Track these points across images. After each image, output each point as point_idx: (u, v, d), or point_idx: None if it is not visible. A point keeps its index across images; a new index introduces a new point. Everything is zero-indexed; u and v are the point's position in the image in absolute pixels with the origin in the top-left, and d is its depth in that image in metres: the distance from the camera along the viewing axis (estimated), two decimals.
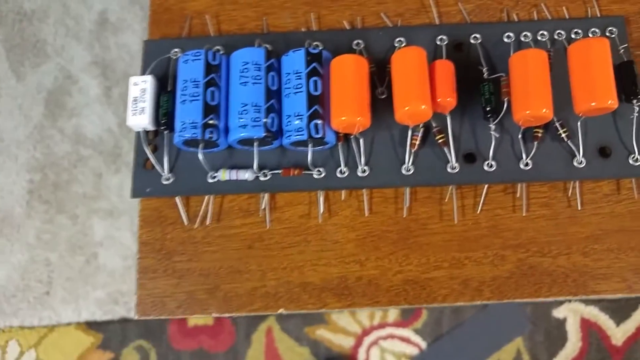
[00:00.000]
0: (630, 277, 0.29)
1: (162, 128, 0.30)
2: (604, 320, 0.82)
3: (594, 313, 0.80)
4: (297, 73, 0.28)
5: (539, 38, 0.32)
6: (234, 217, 0.31)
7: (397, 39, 0.32)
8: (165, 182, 0.30)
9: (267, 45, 0.31)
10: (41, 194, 0.76)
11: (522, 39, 0.32)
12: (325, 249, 0.30)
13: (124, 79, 0.82)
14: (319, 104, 0.28)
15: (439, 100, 0.28)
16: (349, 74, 0.28)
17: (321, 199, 0.30)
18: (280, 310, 0.29)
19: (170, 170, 0.30)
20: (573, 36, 0.32)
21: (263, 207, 0.30)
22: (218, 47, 0.32)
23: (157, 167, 0.30)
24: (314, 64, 0.28)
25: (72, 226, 0.76)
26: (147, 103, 0.30)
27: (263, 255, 0.30)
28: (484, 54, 0.31)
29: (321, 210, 0.30)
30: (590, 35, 0.32)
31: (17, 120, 0.78)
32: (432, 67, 0.29)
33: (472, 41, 0.32)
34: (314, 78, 0.28)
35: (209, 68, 0.29)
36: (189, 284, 0.30)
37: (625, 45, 0.31)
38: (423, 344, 0.72)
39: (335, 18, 0.33)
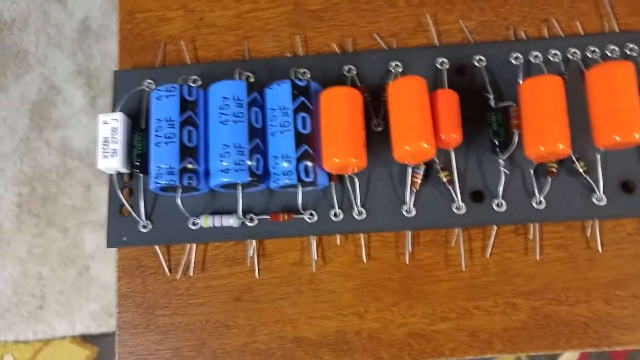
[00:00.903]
0: None
1: (137, 171, 0.27)
2: None
3: None
4: (283, 109, 0.25)
5: (551, 58, 0.29)
6: (220, 265, 0.28)
7: (393, 63, 0.29)
8: (142, 230, 0.28)
9: (249, 75, 0.28)
10: (30, 207, 0.73)
11: (532, 59, 0.29)
12: (320, 300, 0.27)
13: (110, 88, 0.79)
14: (308, 144, 0.25)
15: (442, 136, 0.25)
16: (340, 109, 0.25)
17: (314, 245, 0.27)
18: None
19: (148, 216, 0.28)
20: (589, 55, 0.29)
21: (251, 254, 0.28)
22: (195, 77, 0.29)
23: (133, 214, 0.28)
24: (301, 98, 0.26)
25: (62, 239, 0.74)
26: (119, 144, 0.27)
27: (252, 308, 0.27)
28: (490, 78, 0.28)
29: (314, 257, 0.27)
30: (608, 53, 0.29)
31: (2, 133, 0.75)
32: (433, 97, 0.26)
33: (475, 63, 0.29)
34: (302, 114, 0.25)
35: (185, 105, 0.26)
36: (174, 340, 0.27)
37: None
38: None
39: (323, 40, 0.30)
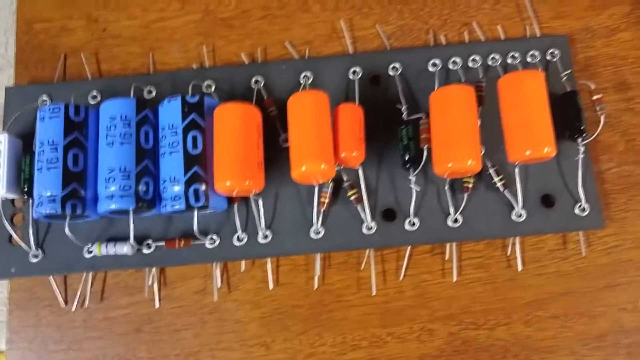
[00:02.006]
0: (579, 349, 0.25)
1: (25, 197, 0.25)
2: None
3: None
4: (172, 127, 0.24)
5: (470, 64, 0.27)
6: (119, 295, 0.26)
7: (304, 74, 0.27)
8: (33, 260, 0.26)
9: (150, 89, 0.26)
10: None
11: (451, 66, 0.27)
12: (225, 330, 0.25)
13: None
14: (199, 165, 0.23)
15: (342, 155, 0.23)
16: (233, 128, 0.23)
17: (217, 272, 0.26)
18: None
19: (40, 245, 0.26)
20: (510, 61, 0.27)
21: (150, 283, 0.26)
22: (94, 93, 0.27)
23: (21, 244, 0.26)
24: (192, 116, 0.24)
25: None
26: (4, 168, 0.25)
27: (153, 340, 0.25)
28: (406, 88, 0.27)
29: (218, 284, 0.26)
30: (529, 59, 0.27)
31: None
32: (335, 113, 0.24)
33: (390, 72, 0.27)
34: (193, 133, 0.23)
35: (71, 126, 0.24)
36: None
37: (569, 71, 0.26)
38: None
39: (232, 50, 0.28)
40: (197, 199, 0.23)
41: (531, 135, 0.22)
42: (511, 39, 0.28)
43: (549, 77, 0.27)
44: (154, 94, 0.27)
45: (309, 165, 0.22)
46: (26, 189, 0.25)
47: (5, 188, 0.25)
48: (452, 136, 0.23)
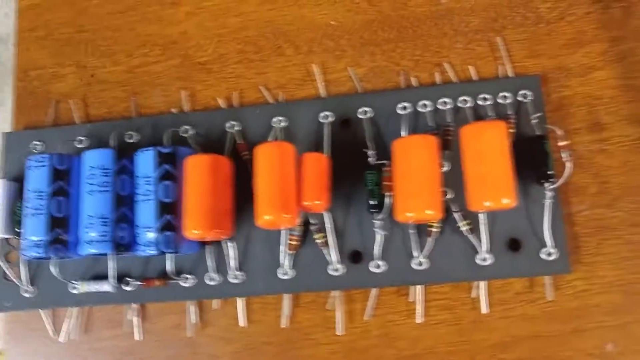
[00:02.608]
0: None
1: (18, 238, 0.27)
2: None
3: None
4: (146, 177, 0.25)
5: (440, 107, 0.27)
6: (103, 327, 0.28)
7: (276, 118, 0.28)
8: (25, 295, 0.28)
9: (132, 134, 0.28)
10: None
11: (420, 109, 0.27)
12: None
13: None
14: (172, 213, 0.25)
15: (305, 204, 0.24)
16: (202, 178, 0.24)
17: (192, 309, 0.27)
18: None
19: (32, 281, 0.28)
20: (480, 102, 0.27)
21: (129, 318, 0.27)
22: (82, 138, 0.29)
23: (14, 280, 0.28)
24: (165, 166, 0.25)
25: None
26: (1, 210, 0.27)
27: None
28: (374, 132, 0.27)
29: (192, 321, 0.27)
30: (500, 100, 0.27)
31: None
32: (300, 162, 0.25)
33: (360, 116, 0.28)
34: (166, 182, 0.25)
35: (56, 174, 0.26)
36: None
37: (539, 114, 0.26)
38: None
39: (210, 94, 0.29)
40: (167, 245, 0.24)
41: (490, 187, 0.22)
42: (483, 79, 0.28)
43: (520, 119, 0.27)
44: (134, 138, 0.29)
45: (271, 215, 0.23)
46: (18, 231, 0.27)
47: (2, 229, 0.27)
48: (412, 186, 0.23)
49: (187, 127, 0.28)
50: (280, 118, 0.28)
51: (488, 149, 0.23)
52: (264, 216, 0.23)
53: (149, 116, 0.29)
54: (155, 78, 0.30)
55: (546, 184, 0.25)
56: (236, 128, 0.28)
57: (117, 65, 0.31)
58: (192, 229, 0.24)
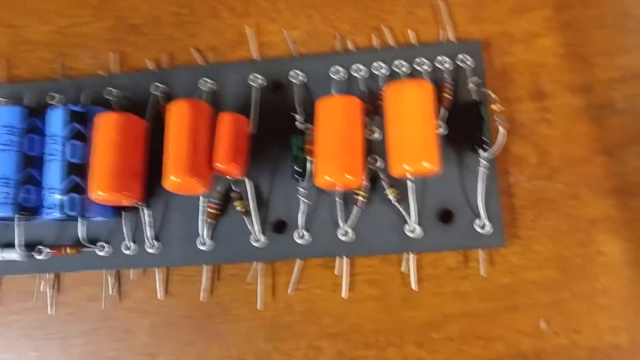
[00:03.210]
0: None
1: None
2: None
3: None
4: (54, 136, 0.23)
5: (375, 72, 0.26)
6: (14, 300, 0.26)
7: (204, 80, 0.27)
8: None
9: (55, 95, 0.26)
10: None
11: (354, 73, 0.26)
12: (114, 338, 0.25)
13: None
14: (77, 174, 0.23)
15: (217, 166, 0.22)
16: (109, 137, 0.23)
17: (107, 280, 0.25)
18: None
19: None
20: (417, 68, 0.26)
21: (41, 289, 0.26)
22: (0, 99, 0.27)
23: None
24: (75, 125, 0.23)
25: None
26: None
27: (44, 347, 0.25)
28: (304, 96, 0.26)
29: (110, 292, 0.25)
30: (438, 65, 0.26)
31: None
32: (217, 122, 0.23)
33: (292, 80, 0.26)
34: (75, 142, 0.23)
35: None
36: None
37: (477, 79, 0.25)
38: None
39: (141, 57, 0.28)
40: (73, 207, 0.23)
41: (410, 149, 0.21)
42: (422, 44, 0.26)
43: (459, 87, 0.26)
44: (56, 99, 0.27)
45: (177, 177, 0.22)
46: None
47: None
48: (331, 148, 0.22)
49: (110, 88, 0.27)
50: (208, 80, 0.26)
51: (408, 109, 0.21)
52: (170, 176, 0.22)
53: (75, 78, 0.28)
54: (84, 40, 0.29)
55: (480, 151, 0.24)
56: (161, 90, 0.27)
57: (46, 25, 0.29)
58: (97, 190, 0.22)
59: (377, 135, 0.25)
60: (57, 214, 0.23)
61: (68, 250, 0.25)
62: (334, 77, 0.26)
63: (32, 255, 0.25)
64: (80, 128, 0.23)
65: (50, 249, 0.25)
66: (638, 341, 0.23)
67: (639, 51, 0.26)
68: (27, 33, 0.29)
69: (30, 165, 0.24)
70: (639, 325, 0.23)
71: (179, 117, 0.22)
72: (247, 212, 0.24)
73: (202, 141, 0.22)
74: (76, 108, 0.24)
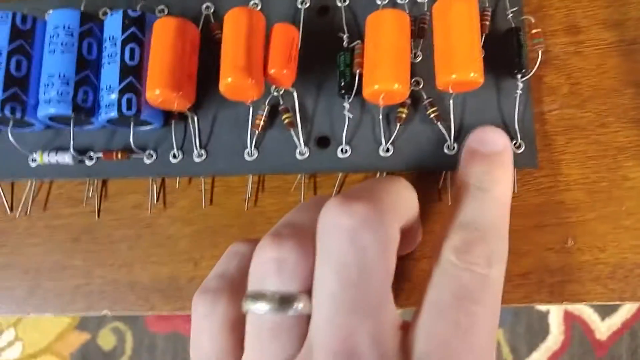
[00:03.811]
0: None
1: None
2: (589, 314, 0.78)
3: (579, 306, 0.76)
4: (112, 39, 0.24)
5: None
6: (62, 205, 0.27)
7: (252, 2, 0.27)
8: None
9: (108, 9, 0.27)
10: None
11: (399, 0, 0.27)
12: (156, 244, 0.26)
13: None
14: (134, 76, 0.24)
15: (271, 72, 0.23)
16: (166, 40, 0.23)
17: (154, 188, 0.26)
18: (105, 312, 0.26)
19: None
20: None
21: (90, 195, 0.27)
22: (51, 11, 0.28)
23: None
24: (132, 29, 0.24)
25: None
26: None
27: (90, 250, 0.27)
28: (351, 20, 0.27)
29: (154, 200, 0.26)
30: None
31: None
32: (269, 32, 0.24)
33: (338, 3, 0.27)
34: (131, 45, 0.24)
35: (17, 34, 0.25)
36: (8, 280, 0.27)
37: (515, 8, 0.26)
38: None
39: None
40: (129, 107, 0.24)
41: (457, 59, 0.22)
42: None
43: (497, 15, 0.27)
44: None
45: (234, 77, 0.23)
46: None
47: None
48: (381, 59, 0.23)
49: (162, 7, 0.28)
50: (256, 1, 0.27)
51: (456, 23, 0.22)
52: (227, 78, 0.23)
53: None
54: None
55: (518, 76, 0.25)
56: (211, 10, 0.27)
57: None
58: (155, 89, 0.23)
59: (420, 58, 0.26)
60: (114, 113, 0.24)
61: (119, 155, 0.25)
62: (379, 2, 0.27)
63: (83, 160, 0.26)
64: (137, 32, 0.24)
65: (102, 153, 0.26)
66: None
67: None
68: None
69: (88, 68, 0.25)
70: None
71: (236, 22, 0.23)
72: (293, 125, 0.25)
73: (258, 48, 0.23)
74: (134, 13, 0.24)
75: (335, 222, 0.18)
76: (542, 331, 0.78)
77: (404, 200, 0.20)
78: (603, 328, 0.77)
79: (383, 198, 0.19)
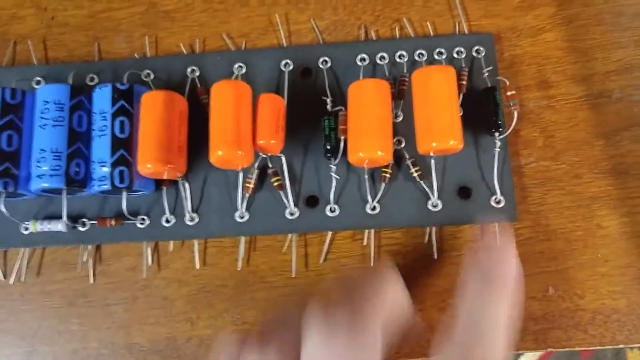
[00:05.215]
0: None
1: None
2: None
3: None
4: (102, 113, 0.25)
5: (398, 60, 0.28)
6: (56, 270, 0.27)
7: (237, 65, 0.28)
8: None
9: (93, 75, 0.28)
10: None
11: (379, 61, 0.28)
12: (153, 306, 0.27)
13: None
14: (125, 148, 0.25)
15: (260, 142, 0.24)
16: (156, 114, 0.24)
17: (147, 251, 0.27)
18: None
19: None
20: (436, 57, 0.28)
21: (84, 259, 0.27)
22: (39, 78, 0.28)
23: None
24: (121, 102, 0.25)
25: None
26: None
27: (86, 314, 0.27)
28: (333, 81, 0.28)
29: (148, 263, 0.27)
30: (455, 55, 0.28)
31: None
32: (256, 102, 0.25)
33: (321, 66, 0.28)
34: (121, 118, 0.25)
35: (7, 108, 0.25)
36: (4, 347, 0.27)
37: (490, 67, 0.27)
38: None
39: (173, 41, 0.29)
40: (121, 180, 0.24)
41: (437, 128, 0.23)
42: (439, 35, 0.29)
43: (473, 74, 0.28)
44: (95, 81, 0.28)
45: (224, 150, 0.23)
46: None
47: None
48: (364, 127, 0.24)
49: (148, 71, 0.28)
50: (241, 64, 0.28)
51: (435, 92, 0.24)
52: (218, 151, 0.23)
53: (111, 60, 0.29)
54: (118, 24, 0.30)
55: (496, 134, 0.26)
56: (196, 73, 0.28)
57: (79, 9, 0.30)
58: (146, 163, 0.24)
59: (400, 118, 0.27)
60: (107, 186, 0.24)
61: (113, 222, 0.26)
62: (360, 64, 0.28)
63: (76, 227, 0.27)
64: (126, 105, 0.25)
65: (96, 221, 0.26)
66: (633, 304, 0.26)
67: (633, 46, 0.29)
68: (61, 17, 0.30)
69: (79, 141, 0.25)
70: (634, 290, 0.26)
71: (223, 96, 0.24)
72: (283, 187, 0.26)
73: (246, 120, 0.24)
74: (122, 86, 0.25)
75: (317, 330, 0.18)
76: None
77: (389, 298, 0.21)
78: None
79: (364, 302, 0.19)
